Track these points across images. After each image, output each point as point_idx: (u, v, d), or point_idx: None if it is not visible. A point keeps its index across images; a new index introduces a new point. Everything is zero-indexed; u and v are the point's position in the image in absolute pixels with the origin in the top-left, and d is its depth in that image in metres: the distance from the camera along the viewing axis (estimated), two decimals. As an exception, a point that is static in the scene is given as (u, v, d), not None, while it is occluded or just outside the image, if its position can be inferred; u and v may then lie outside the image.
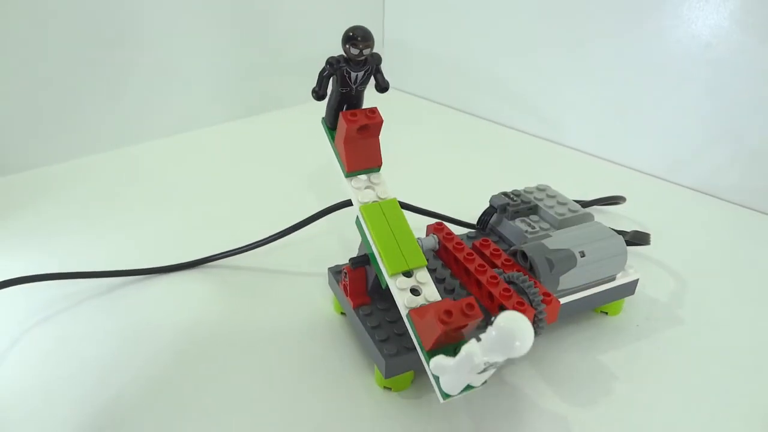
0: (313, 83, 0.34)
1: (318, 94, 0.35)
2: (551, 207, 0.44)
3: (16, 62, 0.62)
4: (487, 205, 0.45)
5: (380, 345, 0.34)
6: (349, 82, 0.34)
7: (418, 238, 0.38)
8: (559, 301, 0.33)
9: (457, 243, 0.39)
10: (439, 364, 0.28)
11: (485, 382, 0.30)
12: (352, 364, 0.37)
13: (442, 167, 0.67)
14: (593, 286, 0.39)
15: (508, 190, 0.47)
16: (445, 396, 0.30)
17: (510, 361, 0.28)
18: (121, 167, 0.67)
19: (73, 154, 0.68)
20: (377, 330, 0.35)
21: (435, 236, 0.39)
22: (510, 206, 0.44)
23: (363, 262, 0.36)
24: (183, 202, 0.58)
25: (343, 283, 0.38)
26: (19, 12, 0.60)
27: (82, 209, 0.57)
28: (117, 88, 0.70)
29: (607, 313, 0.42)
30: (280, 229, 0.47)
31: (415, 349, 0.34)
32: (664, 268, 0.48)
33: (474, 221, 0.47)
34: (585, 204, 0.54)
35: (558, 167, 0.68)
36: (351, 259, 0.37)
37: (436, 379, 0.30)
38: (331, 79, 0.34)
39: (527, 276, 0.34)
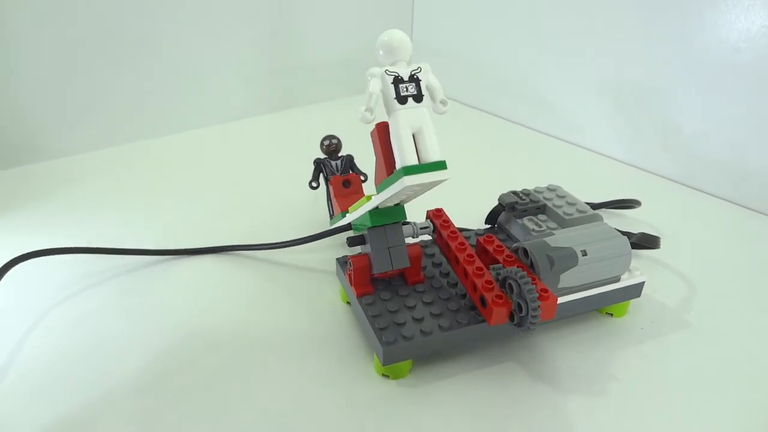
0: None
1: (311, 184, 0.49)
2: (560, 207, 0.44)
3: (57, 54, 0.66)
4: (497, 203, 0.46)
5: (379, 333, 0.35)
6: (333, 170, 0.48)
7: (413, 221, 0.40)
8: (556, 298, 0.34)
9: (452, 232, 0.40)
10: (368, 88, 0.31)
11: (443, 169, 0.31)
12: (354, 351, 0.39)
13: (460, 165, 0.68)
14: (597, 286, 0.39)
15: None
16: (406, 170, 0.30)
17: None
18: (155, 156, 0.71)
19: (109, 142, 0.72)
20: (377, 318, 0.37)
21: (430, 220, 0.40)
22: (518, 205, 0.44)
23: (358, 241, 0.39)
24: (210, 191, 0.61)
25: (348, 272, 0.40)
26: (60, 2, 0.64)
27: (115, 194, 0.61)
28: (153, 80, 0.73)
29: (612, 315, 0.42)
30: (304, 235, 0.48)
31: (412, 338, 0.35)
32: (676, 273, 0.47)
33: (487, 219, 0.48)
34: (597, 206, 0.54)
35: (579, 170, 0.67)
36: (348, 238, 0.39)
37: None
38: (320, 174, 0.49)
39: (525, 272, 0.35)
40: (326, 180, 0.49)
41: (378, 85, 0.31)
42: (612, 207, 0.54)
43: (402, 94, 0.31)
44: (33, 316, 0.42)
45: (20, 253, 0.43)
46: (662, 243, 0.48)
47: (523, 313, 0.33)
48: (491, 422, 0.34)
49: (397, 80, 0.31)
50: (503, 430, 0.33)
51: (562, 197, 0.45)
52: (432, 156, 0.31)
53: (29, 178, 0.65)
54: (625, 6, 0.64)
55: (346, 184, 0.46)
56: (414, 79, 0.32)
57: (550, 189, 0.47)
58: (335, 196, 0.46)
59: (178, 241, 0.50)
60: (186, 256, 0.49)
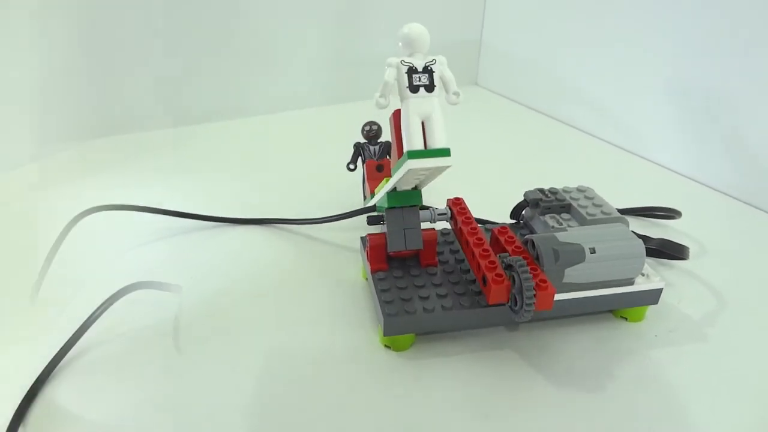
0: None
1: (349, 166, 0.52)
2: (584, 207, 0.44)
3: (154, 48, 0.74)
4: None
5: (384, 305, 0.38)
6: (371, 154, 0.51)
7: (432, 207, 0.42)
8: (554, 289, 0.35)
9: (466, 218, 0.41)
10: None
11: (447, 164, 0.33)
12: (362, 321, 0.42)
13: (507, 162, 0.69)
14: (607, 287, 0.39)
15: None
16: (411, 155, 0.33)
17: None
18: (222, 136, 0.78)
19: (189, 120, 0.81)
20: (385, 293, 0.39)
21: (448, 207, 0.43)
22: (542, 202, 0.45)
23: (377, 220, 0.42)
24: (267, 171, 0.67)
25: (367, 249, 0.42)
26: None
27: (188, 165, 0.69)
28: (232, 71, 0.81)
29: (626, 319, 0.42)
30: (338, 213, 0.53)
31: (414, 312, 0.37)
32: (709, 287, 0.46)
33: (511, 214, 0.49)
34: (627, 211, 0.53)
35: (628, 176, 0.66)
36: (368, 217, 0.42)
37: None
38: (359, 157, 0.51)
39: (526, 262, 0.36)
40: (363, 163, 0.51)
41: (393, 74, 0.34)
42: (645, 214, 0.53)
43: (414, 83, 0.33)
44: (103, 260, 0.49)
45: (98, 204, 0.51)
46: (703, 257, 0.46)
47: (520, 301, 0.34)
48: (479, 401, 0.35)
49: (411, 70, 0.34)
50: (489, 411, 0.34)
51: (590, 198, 0.45)
52: (437, 143, 0.33)
53: (120, 146, 0.74)
54: (691, 8, 0.62)
55: (380, 168, 0.49)
56: (428, 70, 0.34)
57: (580, 190, 0.47)
58: (368, 179, 0.49)
59: (235, 210, 0.57)
60: (237, 225, 0.55)
